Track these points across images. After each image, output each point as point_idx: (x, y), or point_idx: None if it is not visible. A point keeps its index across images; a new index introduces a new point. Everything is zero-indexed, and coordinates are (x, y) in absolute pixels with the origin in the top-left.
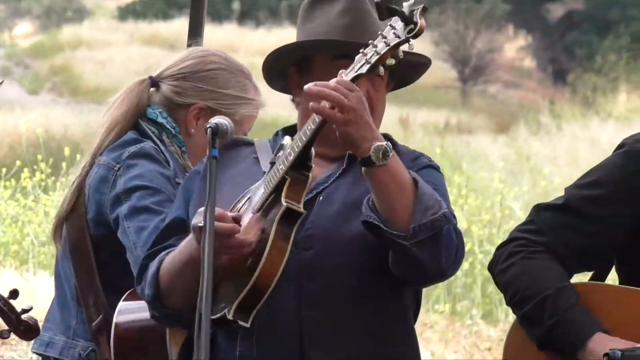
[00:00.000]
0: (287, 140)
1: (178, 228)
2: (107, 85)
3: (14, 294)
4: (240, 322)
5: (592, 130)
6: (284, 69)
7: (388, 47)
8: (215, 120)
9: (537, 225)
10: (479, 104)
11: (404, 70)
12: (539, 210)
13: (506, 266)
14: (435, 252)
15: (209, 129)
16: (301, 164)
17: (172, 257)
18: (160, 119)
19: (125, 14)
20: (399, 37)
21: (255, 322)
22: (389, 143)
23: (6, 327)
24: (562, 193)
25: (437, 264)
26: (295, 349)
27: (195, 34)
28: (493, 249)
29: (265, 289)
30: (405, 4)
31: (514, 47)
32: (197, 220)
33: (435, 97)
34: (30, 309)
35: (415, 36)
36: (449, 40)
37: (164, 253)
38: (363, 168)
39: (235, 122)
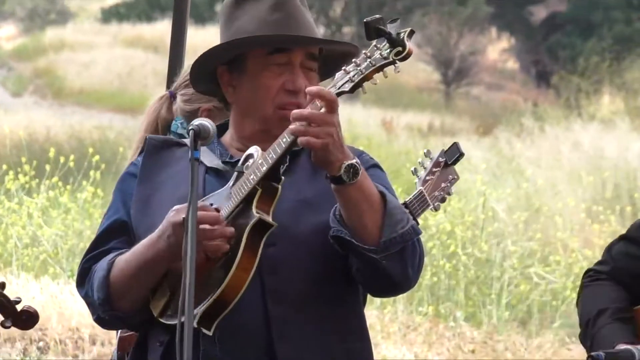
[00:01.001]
0: (255, 150)
1: (118, 230)
2: (90, 87)
3: (2, 285)
4: (204, 330)
5: (575, 132)
6: (213, 68)
7: (373, 67)
8: (198, 122)
9: (604, 257)
10: (462, 106)
11: (333, 61)
12: (609, 244)
13: (578, 299)
14: (403, 264)
15: (191, 131)
16: (273, 175)
17: (128, 259)
18: (180, 130)
19: (108, 16)
20: (385, 58)
21: (217, 328)
22: (358, 161)
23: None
24: (545, 195)
25: (404, 275)
26: (261, 344)
27: (178, 35)
28: (476, 251)
29: (232, 299)
30: (391, 25)
31: (497, 49)
32: (179, 216)
33: (419, 100)
34: (20, 300)
35: (403, 59)
36: (432, 42)
37: (111, 255)
38: (332, 185)
39: None
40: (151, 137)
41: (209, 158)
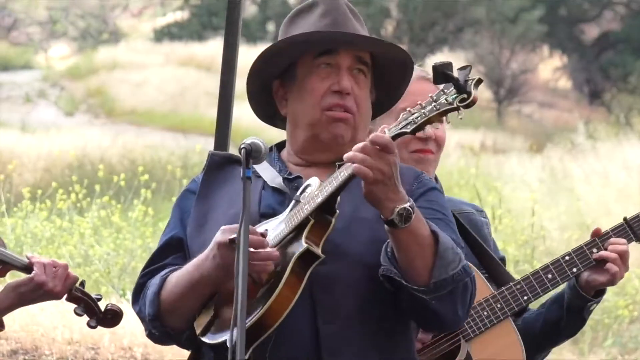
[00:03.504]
0: (314, 181)
1: (175, 247)
2: (142, 107)
3: (82, 284)
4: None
5: (626, 150)
6: (268, 84)
7: (437, 112)
8: (250, 140)
9: None
10: (514, 124)
11: (388, 68)
12: None
13: None
14: (453, 304)
15: (243, 150)
16: (327, 207)
17: (178, 277)
18: None
19: (160, 35)
20: (450, 103)
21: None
22: (412, 204)
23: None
24: (596, 213)
25: (454, 315)
26: None
27: (229, 55)
28: (529, 269)
29: (270, 324)
30: (460, 72)
31: (549, 68)
32: (224, 236)
33: (470, 118)
34: (101, 297)
35: (467, 107)
36: (484, 60)
37: (165, 271)
38: (385, 226)
39: None
40: (214, 153)
41: (270, 175)
